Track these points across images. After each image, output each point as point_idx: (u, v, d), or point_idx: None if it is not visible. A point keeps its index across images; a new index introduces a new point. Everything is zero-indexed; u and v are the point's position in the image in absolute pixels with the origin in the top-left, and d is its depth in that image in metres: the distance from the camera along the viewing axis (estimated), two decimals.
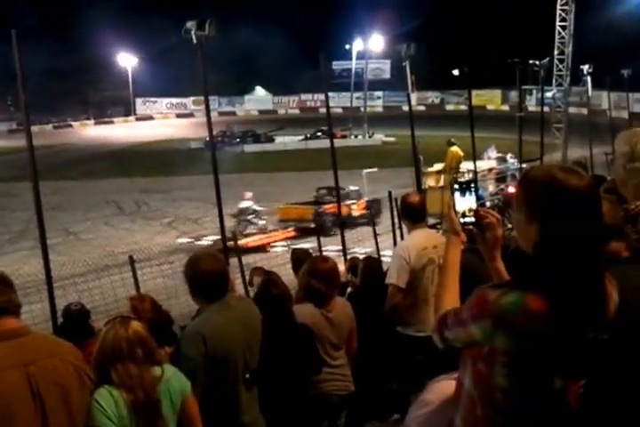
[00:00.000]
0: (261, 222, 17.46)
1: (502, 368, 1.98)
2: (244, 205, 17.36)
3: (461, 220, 2.36)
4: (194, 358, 3.33)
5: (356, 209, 18.22)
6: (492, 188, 18.84)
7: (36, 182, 6.50)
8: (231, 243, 14.56)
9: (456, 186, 2.42)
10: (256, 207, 17.51)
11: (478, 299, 2.00)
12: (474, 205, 2.38)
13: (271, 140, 40.96)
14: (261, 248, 15.90)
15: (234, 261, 9.13)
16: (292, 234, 16.91)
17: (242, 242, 15.91)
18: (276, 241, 16.80)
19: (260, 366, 3.54)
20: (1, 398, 2.54)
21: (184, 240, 17.44)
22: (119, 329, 2.99)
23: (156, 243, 15.60)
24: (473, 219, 2.33)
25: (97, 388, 2.86)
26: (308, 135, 40.01)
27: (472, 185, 2.43)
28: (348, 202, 18.11)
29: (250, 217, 17.24)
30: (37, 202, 6.40)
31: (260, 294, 4.24)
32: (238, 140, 39.36)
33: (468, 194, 2.41)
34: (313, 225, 15.50)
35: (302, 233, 15.50)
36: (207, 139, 31.09)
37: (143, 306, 4.20)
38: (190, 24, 8.06)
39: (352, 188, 19.08)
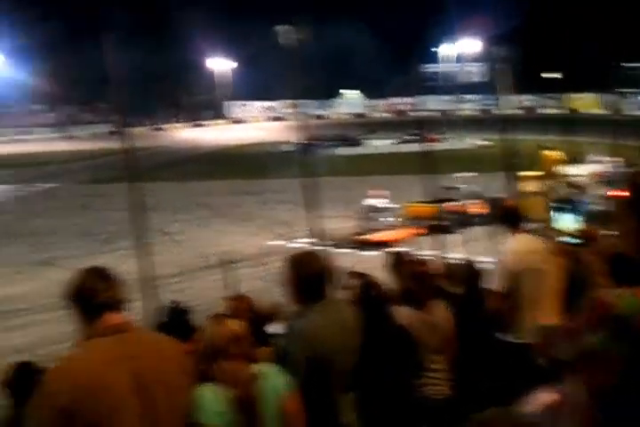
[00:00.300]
0: (388, 219, 18.06)
1: (618, 371, 1.96)
2: (369, 202, 18.10)
3: (563, 238, 2.31)
4: (296, 357, 3.32)
5: (477, 208, 18.36)
6: (599, 191, 18.59)
7: (133, 183, 6.65)
8: (356, 238, 15.36)
9: (555, 204, 2.36)
10: (381, 205, 18.19)
11: (593, 307, 1.96)
12: (574, 223, 2.32)
13: (362, 143, 41.05)
14: (386, 244, 16.21)
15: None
16: (417, 231, 17.21)
17: (366, 237, 16.74)
18: (401, 238, 17.10)
19: (359, 368, 3.50)
20: (106, 393, 2.57)
21: (276, 242, 17.61)
22: (218, 327, 3.02)
23: (248, 245, 15.85)
24: (575, 239, 2.27)
25: (198, 384, 2.88)
26: (401, 139, 39.88)
27: (571, 202, 2.36)
28: (469, 201, 18.52)
29: (374, 214, 17.97)
30: (133, 203, 6.55)
31: (359, 296, 4.21)
32: (329, 143, 39.61)
33: (567, 211, 2.34)
34: (443, 223, 16.02)
35: (428, 231, 15.78)
36: (299, 142, 31.73)
37: (241, 305, 4.23)
38: (282, 28, 8.12)
39: (472, 187, 19.38)
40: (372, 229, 17.60)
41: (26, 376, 5.03)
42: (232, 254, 11.53)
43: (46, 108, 61.32)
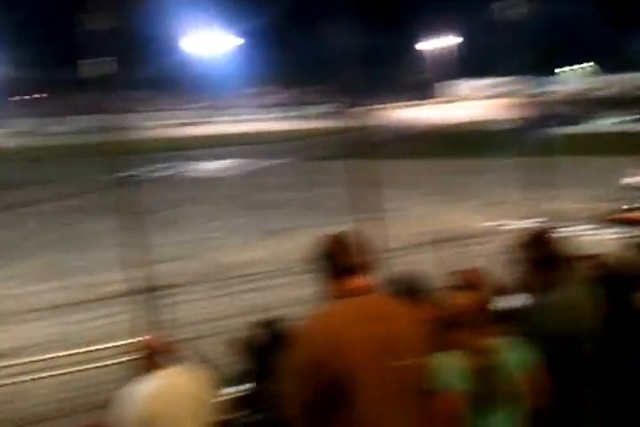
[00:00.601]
0: None
1: None
2: (629, 181, 17.62)
3: None
4: (538, 334, 3.33)
5: None
6: None
7: (356, 161, 6.90)
8: (613, 216, 14.95)
9: None
10: None
11: None
12: None
13: (585, 121, 38.97)
14: None
15: None
16: None
17: (627, 216, 16.21)
18: None
19: (601, 353, 3.49)
20: (349, 352, 2.70)
21: (493, 223, 17.37)
22: (456, 297, 3.14)
23: (466, 223, 15.79)
24: None
25: (436, 352, 2.97)
26: (631, 117, 37.34)
27: None
28: None
29: (635, 192, 17.44)
30: (356, 179, 6.78)
31: (597, 279, 4.11)
32: (550, 121, 37.95)
33: None
34: None
35: None
36: (518, 120, 30.84)
37: (474, 279, 4.31)
38: (500, 3, 8.02)
39: None
40: (631, 208, 16.89)
41: (270, 333, 5.52)
42: (449, 232, 11.63)
43: (276, 89, 64.58)
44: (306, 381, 2.71)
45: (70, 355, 7.72)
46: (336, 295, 2.87)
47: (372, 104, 59.58)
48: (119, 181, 9.03)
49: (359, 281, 2.87)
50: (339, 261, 2.87)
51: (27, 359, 8.05)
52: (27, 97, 68.61)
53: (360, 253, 2.93)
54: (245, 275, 11.92)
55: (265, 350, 5.42)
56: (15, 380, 7.54)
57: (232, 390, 5.45)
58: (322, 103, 58.50)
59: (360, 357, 2.72)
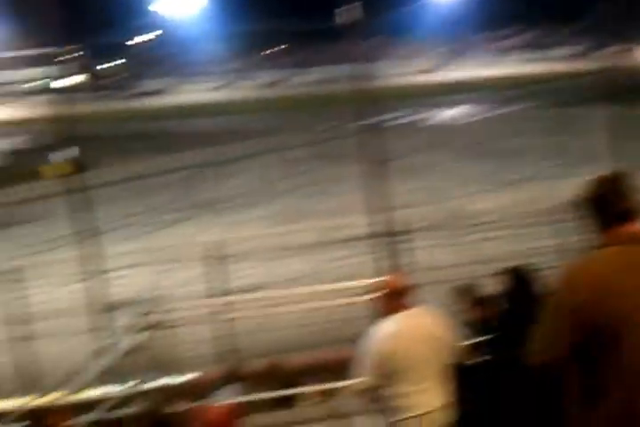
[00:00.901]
0: None
1: None
2: None
3: None
4: None
5: None
6: None
7: (608, 106, 6.51)
8: None
9: None
10: None
11: None
12: None
13: None
14: None
15: None
16: None
17: None
18: None
19: None
20: (620, 299, 2.57)
21: None
22: None
23: None
24: None
25: None
26: None
27: None
28: None
29: None
30: (608, 126, 6.41)
31: None
32: None
33: None
34: None
35: None
36: None
37: None
38: None
39: None
40: None
41: (516, 280, 5.44)
42: None
43: (518, 30, 62.19)
44: (570, 328, 2.62)
45: (318, 291, 8.21)
46: (605, 243, 2.70)
47: (628, 44, 54.97)
48: (362, 129, 9.27)
49: (632, 228, 2.68)
50: (610, 206, 2.69)
51: (277, 293, 8.70)
52: (275, 49, 71.96)
53: (632, 198, 2.71)
54: (481, 224, 11.81)
55: (510, 296, 5.38)
56: (267, 311, 8.19)
57: (468, 335, 5.51)
58: (568, 44, 55.24)
59: (631, 305, 2.56)
